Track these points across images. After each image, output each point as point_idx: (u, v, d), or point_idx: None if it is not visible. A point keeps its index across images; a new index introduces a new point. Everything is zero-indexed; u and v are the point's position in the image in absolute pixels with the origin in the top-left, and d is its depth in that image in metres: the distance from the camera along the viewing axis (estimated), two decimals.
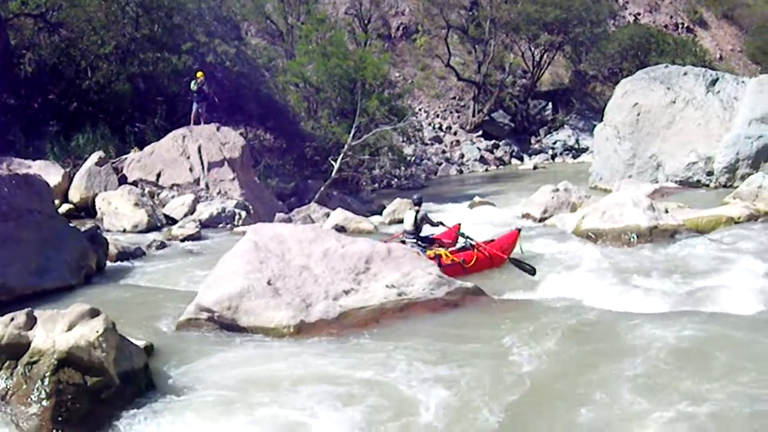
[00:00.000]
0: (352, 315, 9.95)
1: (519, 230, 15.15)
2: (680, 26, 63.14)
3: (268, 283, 9.99)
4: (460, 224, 15.97)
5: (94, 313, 7.82)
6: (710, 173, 26.66)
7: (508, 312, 10.38)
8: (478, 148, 45.41)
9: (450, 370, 8.25)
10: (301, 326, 9.61)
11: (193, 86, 23.79)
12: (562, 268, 13.43)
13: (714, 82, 28.78)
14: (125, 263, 15.52)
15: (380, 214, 23.84)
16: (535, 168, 42.68)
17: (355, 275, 10.45)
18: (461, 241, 14.65)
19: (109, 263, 15.27)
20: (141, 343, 8.72)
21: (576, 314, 10.01)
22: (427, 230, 15.02)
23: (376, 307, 10.10)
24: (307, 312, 9.77)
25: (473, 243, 14.28)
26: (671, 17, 63.87)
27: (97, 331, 7.55)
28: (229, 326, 9.77)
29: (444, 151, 44.64)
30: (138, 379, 7.93)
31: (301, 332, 9.56)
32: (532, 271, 13.14)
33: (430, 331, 9.59)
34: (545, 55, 50.72)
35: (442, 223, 15.31)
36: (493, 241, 14.77)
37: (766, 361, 8.09)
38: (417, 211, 14.44)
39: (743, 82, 29.03)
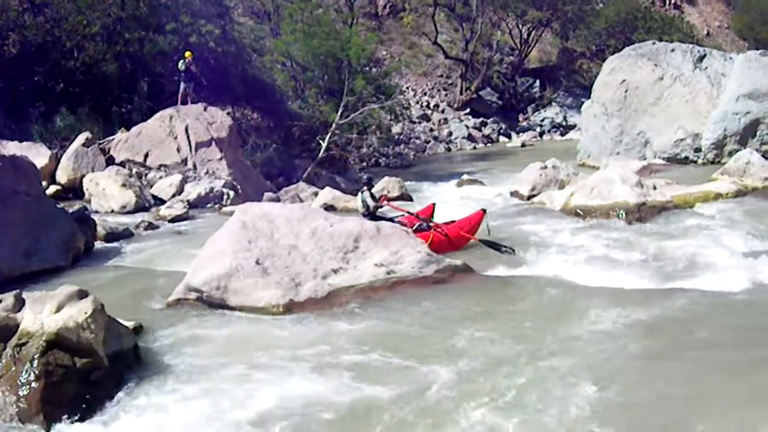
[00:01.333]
0: (342, 293, 9.98)
1: (484, 210, 14.78)
2: (668, 2, 63.03)
3: (257, 262, 10.00)
4: (434, 204, 15.93)
5: (82, 295, 7.82)
6: (698, 150, 26.67)
7: (496, 289, 10.46)
8: (466, 126, 45.31)
9: (438, 346, 8.31)
10: (290, 305, 9.63)
11: (180, 66, 23.64)
12: (550, 245, 13.45)
13: (701, 58, 28.75)
14: (113, 244, 15.48)
15: None
16: (523, 145, 42.62)
17: (344, 254, 10.47)
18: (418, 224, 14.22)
19: (97, 244, 15.24)
20: (130, 324, 8.74)
21: (563, 291, 10.08)
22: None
23: (365, 285, 10.14)
24: (296, 291, 9.79)
25: (430, 224, 14.05)
26: None
27: (86, 313, 7.56)
28: (218, 306, 9.80)
29: (432, 130, 44.52)
30: (127, 359, 7.97)
31: (291, 311, 9.59)
32: (511, 252, 13.05)
33: (419, 309, 9.63)
34: (533, 33, 50.59)
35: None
36: (453, 222, 14.56)
37: (745, 338, 8.13)
38: (363, 192, 14.29)
39: (731, 58, 28.98)
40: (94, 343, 7.47)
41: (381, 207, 14.46)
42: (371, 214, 13.91)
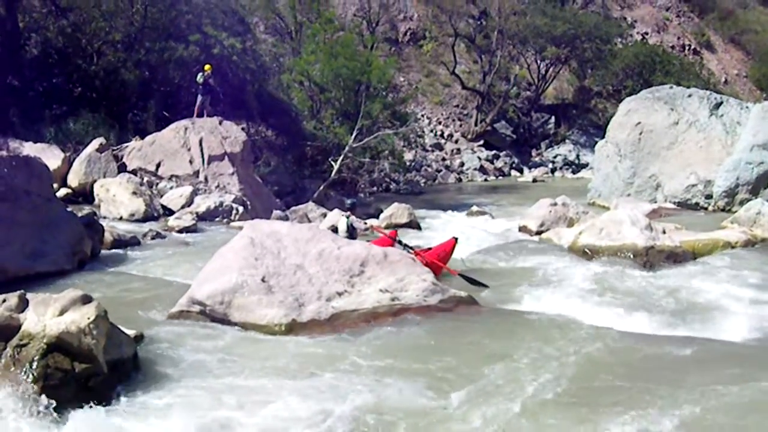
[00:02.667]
0: (345, 317, 9.96)
1: (455, 239, 15.06)
2: (687, 48, 63.22)
3: (263, 280, 9.99)
4: (396, 231, 15.93)
5: (86, 300, 7.82)
6: (709, 196, 26.62)
7: (498, 323, 10.40)
8: (479, 158, 45.36)
9: (436, 377, 8.28)
10: (292, 325, 9.63)
11: (199, 78, 23.74)
12: (555, 282, 13.42)
13: (718, 105, 28.77)
14: (120, 251, 15.53)
15: (377, 217, 23.79)
16: (534, 181, 42.62)
17: (350, 277, 10.45)
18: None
19: (104, 250, 15.29)
20: (131, 332, 8.73)
21: (564, 330, 10.02)
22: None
23: (369, 310, 10.12)
24: (299, 311, 9.78)
25: (412, 249, 14.05)
26: (679, 38, 63.96)
27: (89, 318, 7.55)
28: (220, 320, 9.79)
29: (444, 159, 44.58)
30: (126, 367, 7.96)
31: (293, 331, 9.58)
32: (485, 287, 13.05)
33: (421, 338, 9.61)
34: (551, 69, 50.74)
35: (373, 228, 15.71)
36: (430, 249, 14.68)
37: (741, 388, 8.08)
38: (348, 217, 14.62)
39: (747, 107, 28.99)
40: (95, 349, 7.45)
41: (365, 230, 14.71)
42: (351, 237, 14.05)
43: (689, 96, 29.46)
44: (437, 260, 13.92)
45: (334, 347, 9.09)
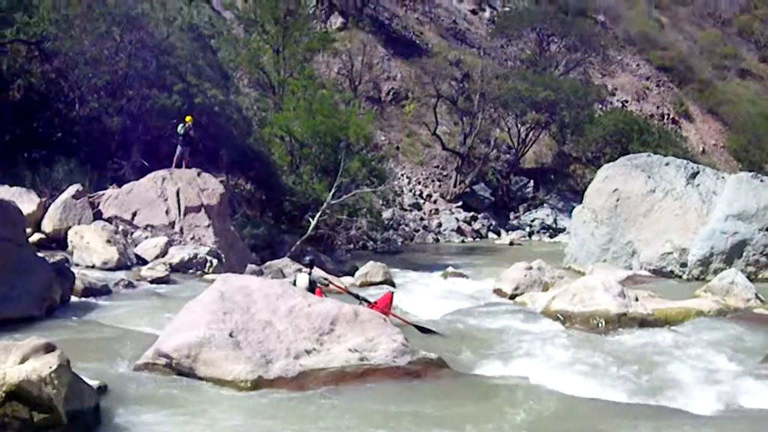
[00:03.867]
0: (312, 375, 9.84)
1: (392, 293, 15.55)
2: (666, 117, 64.23)
3: (230, 335, 9.89)
4: (392, 294, 16.19)
5: (49, 348, 7.70)
6: (684, 264, 26.73)
7: (467, 388, 10.31)
8: (457, 219, 45.56)
9: None
10: (258, 381, 9.51)
11: (179, 129, 23.77)
12: (526, 347, 13.35)
13: (694, 174, 29.04)
14: (90, 299, 15.34)
15: (352, 275, 23.74)
16: (511, 243, 42.77)
17: (319, 335, 10.36)
18: None
19: (74, 298, 15.09)
20: (95, 383, 8.60)
21: (533, 397, 9.94)
22: None
23: (337, 369, 10.00)
24: (266, 368, 9.67)
25: (367, 301, 14.55)
26: (658, 107, 65.01)
27: (50, 367, 7.43)
28: (186, 374, 9.66)
29: (422, 219, 44.75)
30: (87, 419, 7.82)
31: (259, 388, 9.46)
32: (438, 335, 13.77)
33: (386, 402, 9.48)
34: (531, 133, 51.34)
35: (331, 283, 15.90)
36: (375, 303, 14.93)
37: None
38: (309, 274, 14.74)
39: (723, 177, 29.30)
40: (55, 399, 7.32)
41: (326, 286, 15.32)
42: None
43: (666, 164, 29.75)
44: (387, 311, 14.22)
45: (299, 407, 8.98)
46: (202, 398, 9.04)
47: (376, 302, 14.96)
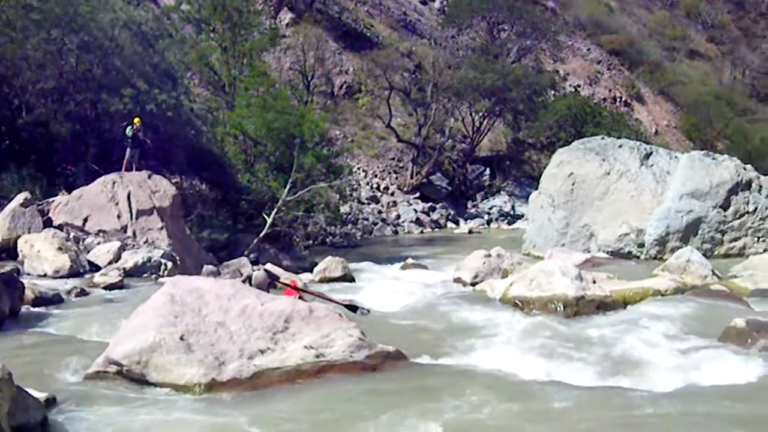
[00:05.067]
0: (267, 375, 9.67)
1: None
2: (618, 100, 64.79)
3: (181, 338, 9.68)
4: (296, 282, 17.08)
5: None
6: (641, 245, 27.00)
7: (425, 378, 10.22)
8: (415, 210, 45.53)
9: None
10: (212, 384, 9.32)
11: (128, 132, 23.43)
12: (484, 335, 13.31)
13: (648, 155, 29.32)
14: (41, 309, 14.98)
15: (311, 271, 23.58)
16: (470, 232, 42.88)
17: (273, 334, 10.18)
18: None
19: (24, 308, 14.74)
20: (42, 395, 8.37)
21: (493, 384, 9.91)
22: None
23: (292, 368, 9.84)
24: (219, 370, 9.48)
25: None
26: (610, 91, 65.53)
27: None
28: (138, 381, 9.44)
29: (380, 211, 44.67)
30: None
31: (212, 390, 9.27)
32: (367, 313, 14.69)
33: (344, 396, 9.39)
34: (485, 122, 51.47)
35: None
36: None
37: None
38: (266, 270, 15.53)
39: (676, 157, 29.62)
40: None
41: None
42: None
43: (620, 147, 30.02)
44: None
45: (252, 410, 8.80)
46: (154, 405, 8.83)
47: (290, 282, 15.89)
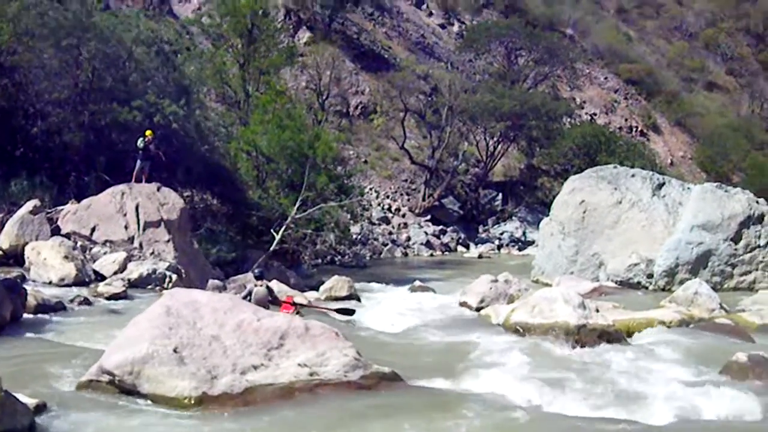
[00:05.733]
0: (259, 391, 9.63)
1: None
2: (634, 129, 64.66)
3: (174, 350, 9.67)
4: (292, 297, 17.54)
5: None
6: (650, 275, 26.80)
7: (419, 401, 10.14)
8: (426, 233, 45.42)
9: None
10: (203, 398, 9.30)
11: (139, 143, 23.47)
12: (483, 360, 13.23)
13: (660, 186, 29.18)
14: (43, 316, 15.06)
15: (317, 289, 23.55)
16: (480, 257, 42.74)
17: (267, 350, 10.15)
18: None
19: (26, 315, 14.80)
20: (32, 402, 8.39)
21: (486, 410, 9.81)
22: None
23: (285, 385, 9.81)
24: (211, 384, 9.45)
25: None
26: (626, 120, 65.41)
27: None
28: (129, 392, 9.44)
29: (391, 233, 44.59)
30: None
31: (203, 404, 9.25)
32: (352, 312, 15.83)
33: (335, 415, 9.33)
34: (499, 146, 51.39)
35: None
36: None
37: None
38: (267, 286, 15.65)
39: (689, 188, 29.48)
40: None
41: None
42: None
43: (632, 176, 29.91)
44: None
45: (243, 424, 8.77)
46: (143, 416, 8.82)
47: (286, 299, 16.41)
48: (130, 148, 25.59)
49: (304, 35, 54.16)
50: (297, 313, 14.70)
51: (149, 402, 9.28)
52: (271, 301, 15.25)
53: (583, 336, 14.89)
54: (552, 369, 12.80)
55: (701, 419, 10.54)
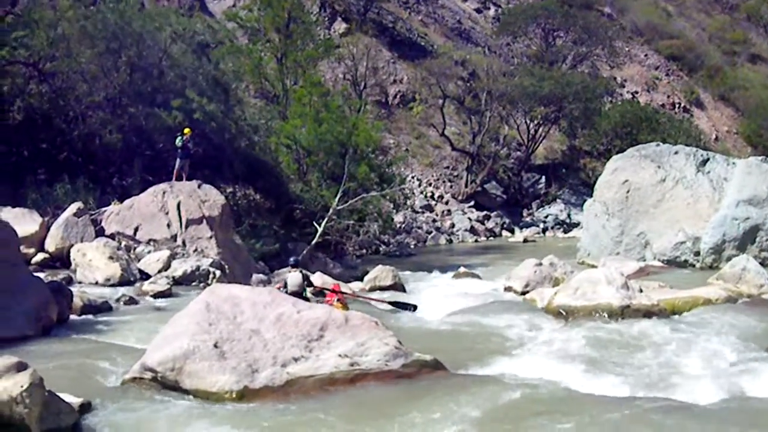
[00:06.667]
0: (300, 383, 9.67)
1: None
2: (677, 106, 63.77)
3: (215, 345, 9.74)
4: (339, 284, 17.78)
5: (21, 367, 7.59)
6: (697, 253, 26.43)
7: (462, 389, 10.07)
8: (469, 219, 45.29)
9: None
10: (244, 392, 9.36)
11: (178, 142, 23.67)
12: (528, 344, 13.17)
13: (704, 162, 28.75)
14: (90, 317, 15.23)
15: (361, 280, 23.58)
16: (525, 241, 42.49)
17: (308, 342, 10.18)
18: None
19: (73, 316, 14.99)
20: (77, 401, 8.50)
21: (531, 395, 9.74)
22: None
23: (325, 376, 9.83)
24: (252, 377, 9.51)
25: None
26: (668, 97, 64.55)
27: (22, 386, 7.32)
28: (172, 387, 9.52)
29: (435, 220, 44.50)
30: None
31: (245, 398, 9.32)
32: (413, 309, 15.50)
33: (377, 405, 9.33)
34: (540, 129, 51.03)
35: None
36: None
37: None
38: (301, 272, 15.31)
39: (733, 163, 29.01)
40: (27, 419, 7.21)
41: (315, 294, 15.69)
42: (301, 293, 14.56)
43: (675, 153, 29.48)
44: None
45: (285, 416, 8.81)
46: (185, 411, 8.89)
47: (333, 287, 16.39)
48: (170, 147, 25.86)
49: (340, 26, 54.20)
50: (340, 301, 14.72)
51: (192, 397, 9.36)
52: (315, 294, 15.29)
53: (627, 316, 14.76)
54: (595, 351, 12.70)
55: (746, 397, 10.39)
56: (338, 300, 14.89)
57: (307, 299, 13.98)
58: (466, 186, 48.18)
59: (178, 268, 19.98)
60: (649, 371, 11.51)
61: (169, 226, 21.71)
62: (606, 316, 14.72)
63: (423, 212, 44.77)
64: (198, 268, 19.95)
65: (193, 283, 19.63)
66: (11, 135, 25.25)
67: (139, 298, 17.56)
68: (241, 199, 29.39)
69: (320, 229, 27.65)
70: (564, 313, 15.28)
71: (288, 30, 37.01)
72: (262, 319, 10.36)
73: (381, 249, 36.52)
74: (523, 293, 20.17)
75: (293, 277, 14.72)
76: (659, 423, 8.86)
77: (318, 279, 20.26)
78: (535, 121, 50.58)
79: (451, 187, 48.72)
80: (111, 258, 19.65)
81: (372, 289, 21.69)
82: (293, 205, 30.18)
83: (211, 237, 21.60)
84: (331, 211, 28.16)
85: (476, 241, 43.33)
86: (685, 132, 51.91)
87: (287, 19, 36.89)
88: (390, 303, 14.93)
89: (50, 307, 13.94)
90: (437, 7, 64.19)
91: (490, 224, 46.07)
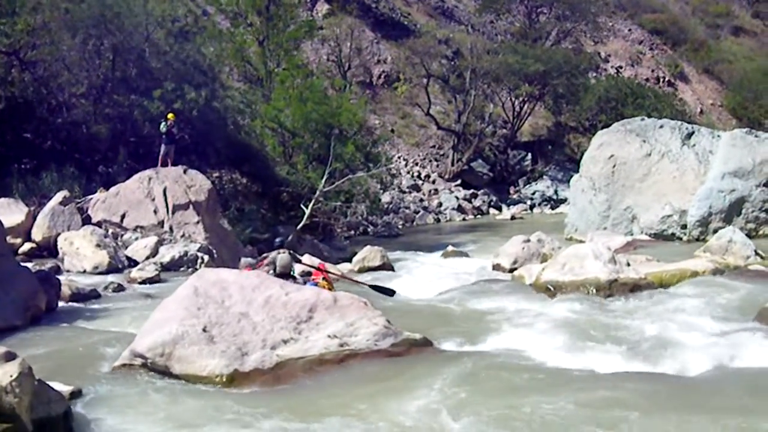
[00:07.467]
0: (290, 365, 9.69)
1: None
2: (662, 80, 63.83)
3: (204, 330, 9.75)
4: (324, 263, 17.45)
5: (9, 357, 7.55)
6: (684, 226, 26.55)
7: (451, 365, 10.08)
8: (456, 197, 45.35)
9: (382, 425, 8.03)
10: (234, 375, 9.38)
11: (162, 127, 23.57)
12: (515, 320, 13.19)
13: (689, 135, 28.81)
14: (78, 305, 15.21)
15: (350, 261, 23.63)
16: (512, 218, 42.58)
17: (297, 324, 10.20)
18: None
19: (62, 304, 14.97)
20: (67, 389, 8.48)
21: (519, 370, 9.80)
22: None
23: (315, 357, 9.85)
24: (241, 361, 9.53)
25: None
26: (653, 71, 64.59)
27: (11, 376, 7.29)
28: (162, 373, 9.53)
29: (422, 200, 44.55)
30: (55, 426, 7.68)
31: (234, 381, 9.33)
32: (392, 293, 15.05)
33: (366, 384, 9.36)
34: (525, 106, 51.00)
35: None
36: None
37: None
38: (289, 252, 15.09)
39: (718, 135, 29.09)
40: (17, 408, 7.18)
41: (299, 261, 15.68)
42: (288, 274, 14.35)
43: (661, 127, 29.54)
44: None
45: (274, 400, 8.81)
46: (176, 396, 8.90)
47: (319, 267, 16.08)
48: (155, 134, 25.76)
49: (323, 8, 53.96)
50: (325, 279, 14.75)
51: (182, 382, 9.38)
52: (303, 274, 15.29)
53: (614, 291, 14.84)
54: (582, 325, 12.73)
55: (734, 367, 10.45)
56: (324, 278, 14.89)
57: (294, 278, 13.99)
58: (452, 165, 48.20)
59: (166, 254, 19.99)
60: (637, 344, 11.55)
61: (155, 212, 21.68)
62: (594, 290, 14.79)
63: (410, 192, 44.81)
64: (186, 253, 19.97)
65: (181, 269, 19.66)
66: None
67: (128, 285, 17.57)
68: (227, 183, 29.34)
69: (307, 212, 27.65)
70: (552, 289, 15.33)
71: (269, 12, 36.80)
72: (251, 302, 10.37)
73: (369, 230, 36.53)
74: (511, 270, 20.21)
75: (282, 257, 14.71)
76: (649, 394, 8.91)
77: (307, 260, 20.31)
78: (520, 99, 50.53)
79: (437, 166, 48.74)
80: (98, 246, 19.62)
81: (361, 270, 21.75)
82: (280, 188, 30.13)
83: (198, 222, 21.59)
84: (317, 192, 28.16)
85: (464, 219, 43.42)
86: (669, 106, 52.03)
87: (267, 1, 36.66)
88: (369, 286, 14.99)
89: (38, 296, 13.91)
90: None
91: (477, 202, 46.14)
